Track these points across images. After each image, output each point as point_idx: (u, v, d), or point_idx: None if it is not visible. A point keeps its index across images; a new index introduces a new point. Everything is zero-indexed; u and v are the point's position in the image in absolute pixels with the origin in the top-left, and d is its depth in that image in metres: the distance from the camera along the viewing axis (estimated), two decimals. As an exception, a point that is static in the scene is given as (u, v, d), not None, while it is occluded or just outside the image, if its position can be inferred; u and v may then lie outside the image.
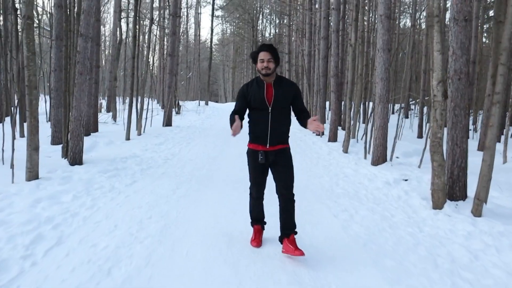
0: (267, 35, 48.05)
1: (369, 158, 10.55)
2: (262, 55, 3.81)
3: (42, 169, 7.14)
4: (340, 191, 7.00)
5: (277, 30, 45.18)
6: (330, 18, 15.55)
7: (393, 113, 28.22)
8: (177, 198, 5.91)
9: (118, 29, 19.28)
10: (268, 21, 49.41)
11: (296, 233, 4.00)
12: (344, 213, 5.56)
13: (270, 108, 3.83)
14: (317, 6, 18.90)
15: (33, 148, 6.63)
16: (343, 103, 17.30)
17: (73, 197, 5.65)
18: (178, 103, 25.39)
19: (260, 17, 45.97)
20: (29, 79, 6.49)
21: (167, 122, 16.92)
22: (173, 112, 24.69)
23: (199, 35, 39.99)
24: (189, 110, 26.90)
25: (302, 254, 3.73)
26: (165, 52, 24.29)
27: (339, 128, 15.52)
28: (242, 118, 3.90)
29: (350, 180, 7.99)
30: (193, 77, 41.39)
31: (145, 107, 15.80)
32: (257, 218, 4.31)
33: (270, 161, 3.93)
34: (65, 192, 5.92)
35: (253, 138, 4.01)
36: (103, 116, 19.90)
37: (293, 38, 30.39)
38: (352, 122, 12.49)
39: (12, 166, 6.59)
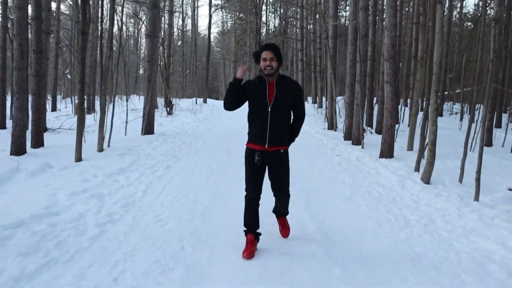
0: (271, 26, 42.88)
1: (485, 198, 5.67)
2: (265, 54, 3.62)
3: None
4: None
5: (283, 21, 40.03)
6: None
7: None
8: None
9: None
10: (271, 12, 44.19)
11: (287, 213, 4.15)
12: None
13: (270, 107, 3.66)
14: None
15: None
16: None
17: None
18: (170, 101, 20.41)
19: (264, 7, 40.76)
20: None
21: (147, 129, 11.90)
22: (164, 113, 19.79)
23: (196, 24, 34.80)
24: (184, 109, 21.89)
25: (286, 235, 4.16)
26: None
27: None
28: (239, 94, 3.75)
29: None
30: (191, 72, 36.30)
31: (119, 108, 10.88)
32: (251, 225, 3.90)
33: (266, 162, 3.76)
34: None
35: (251, 137, 3.82)
36: (72, 120, 14.90)
37: (305, 22, 25.29)
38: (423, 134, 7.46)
39: None
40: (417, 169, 7.55)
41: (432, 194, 6.11)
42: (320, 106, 23.51)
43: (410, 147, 10.22)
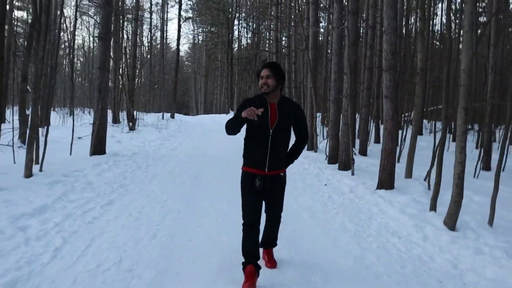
0: (244, 40, 41.29)
1: None
2: (262, 72, 3.39)
3: None
4: None
5: (255, 36, 38.55)
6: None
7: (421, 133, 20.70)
8: None
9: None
10: (244, 26, 42.62)
11: (275, 245, 3.85)
12: None
13: (271, 130, 3.36)
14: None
15: None
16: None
17: None
18: (133, 116, 18.26)
19: (236, 22, 39.13)
20: None
21: (96, 148, 9.71)
22: (126, 128, 17.64)
23: (165, 36, 32.70)
24: (148, 125, 19.75)
25: (273, 266, 3.67)
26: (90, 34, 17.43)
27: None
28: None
29: None
30: (159, 85, 34.09)
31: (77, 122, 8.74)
32: (251, 254, 3.45)
33: (265, 186, 3.43)
34: None
35: (250, 161, 3.48)
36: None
37: (279, 35, 23.72)
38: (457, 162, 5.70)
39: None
40: (433, 207, 5.80)
41: (469, 249, 4.33)
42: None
43: (409, 174, 8.53)
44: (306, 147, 13.63)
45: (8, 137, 10.30)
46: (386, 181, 7.29)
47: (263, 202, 3.57)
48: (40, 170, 7.54)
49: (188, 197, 6.21)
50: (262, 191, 3.46)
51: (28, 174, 7.11)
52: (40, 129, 16.19)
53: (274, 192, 3.54)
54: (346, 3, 9.66)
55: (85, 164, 8.33)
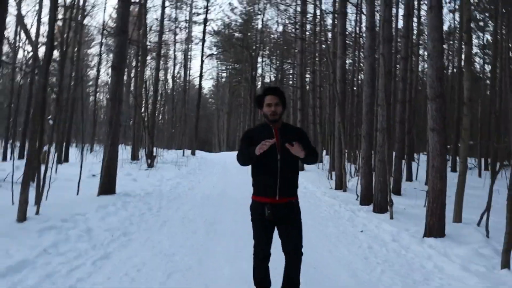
0: (267, 78, 40.89)
1: None
2: (269, 99, 3.29)
3: None
4: None
5: (279, 74, 38.11)
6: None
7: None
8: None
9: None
10: (267, 64, 42.30)
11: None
12: None
13: (279, 155, 3.23)
14: None
15: None
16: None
17: None
18: (152, 152, 17.51)
19: (259, 59, 38.89)
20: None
21: (106, 187, 8.78)
22: (144, 165, 16.86)
23: (188, 74, 32.38)
24: (168, 162, 18.96)
25: None
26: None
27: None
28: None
29: None
30: (181, 122, 33.61)
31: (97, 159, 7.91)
32: (264, 285, 3.46)
33: (278, 216, 3.21)
34: None
35: (259, 189, 3.31)
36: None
37: (304, 70, 22.96)
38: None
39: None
40: (506, 263, 4.58)
41: None
42: (320, 161, 20.59)
43: (458, 218, 7.30)
44: (333, 185, 12.54)
45: (17, 175, 9.55)
46: (435, 227, 6.10)
47: (280, 240, 3.31)
48: (37, 213, 6.63)
49: (201, 251, 5.15)
50: (274, 222, 3.27)
51: (22, 217, 6.20)
52: (59, 165, 15.46)
53: (289, 223, 3.27)
54: (378, 32, 8.75)
55: (89, 206, 7.41)
